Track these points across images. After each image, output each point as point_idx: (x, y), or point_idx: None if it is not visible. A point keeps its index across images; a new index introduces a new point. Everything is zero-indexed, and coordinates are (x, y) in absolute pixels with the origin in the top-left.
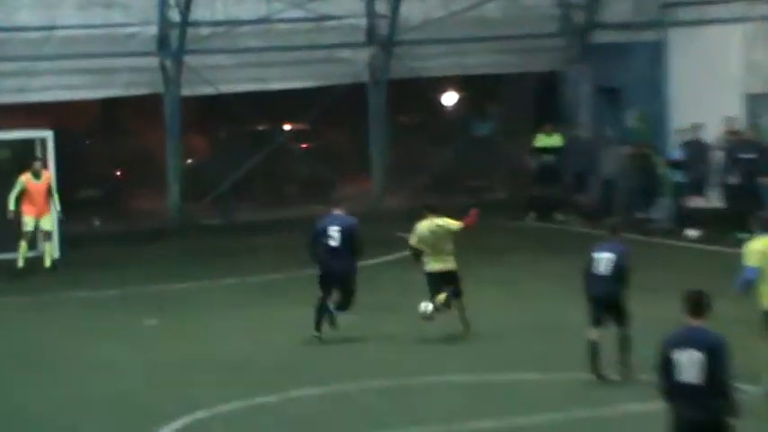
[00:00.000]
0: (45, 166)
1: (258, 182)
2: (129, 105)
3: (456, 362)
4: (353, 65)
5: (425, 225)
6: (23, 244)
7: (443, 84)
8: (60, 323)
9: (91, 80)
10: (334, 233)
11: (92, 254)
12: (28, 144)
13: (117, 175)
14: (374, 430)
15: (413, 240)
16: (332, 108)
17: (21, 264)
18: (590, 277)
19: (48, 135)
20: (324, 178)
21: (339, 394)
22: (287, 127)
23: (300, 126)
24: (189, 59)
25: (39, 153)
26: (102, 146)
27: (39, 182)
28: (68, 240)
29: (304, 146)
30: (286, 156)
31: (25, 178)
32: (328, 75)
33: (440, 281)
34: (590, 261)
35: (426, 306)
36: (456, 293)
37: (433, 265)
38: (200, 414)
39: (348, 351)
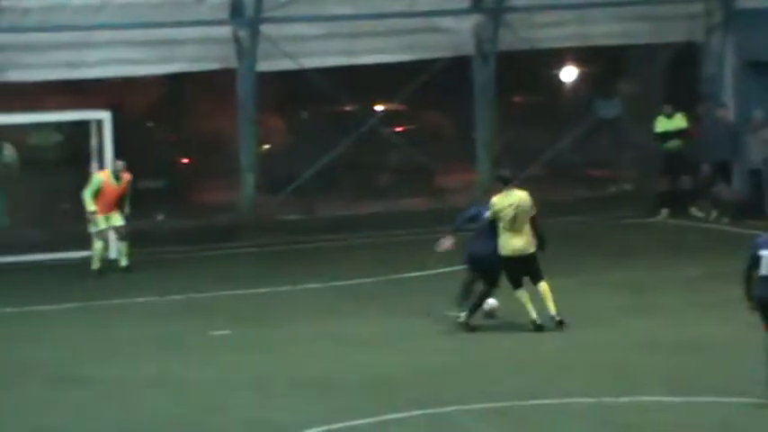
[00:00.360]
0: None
1: (345, 171)
2: (198, 83)
3: (572, 382)
4: (456, 35)
5: (506, 198)
6: (100, 245)
7: (561, 57)
8: (115, 333)
9: (153, 53)
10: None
11: (154, 253)
12: (82, 127)
13: (183, 164)
14: None
15: (488, 214)
16: (431, 86)
17: (97, 265)
18: (759, 280)
19: (104, 116)
20: (421, 167)
21: (436, 417)
22: (378, 108)
23: (394, 107)
24: (266, 29)
25: (94, 136)
26: (166, 129)
27: (118, 184)
28: (128, 238)
29: (398, 129)
30: (377, 141)
31: (104, 178)
32: (427, 47)
33: (518, 265)
34: (754, 259)
35: (488, 303)
36: (537, 278)
37: (514, 244)
38: None
39: (448, 369)
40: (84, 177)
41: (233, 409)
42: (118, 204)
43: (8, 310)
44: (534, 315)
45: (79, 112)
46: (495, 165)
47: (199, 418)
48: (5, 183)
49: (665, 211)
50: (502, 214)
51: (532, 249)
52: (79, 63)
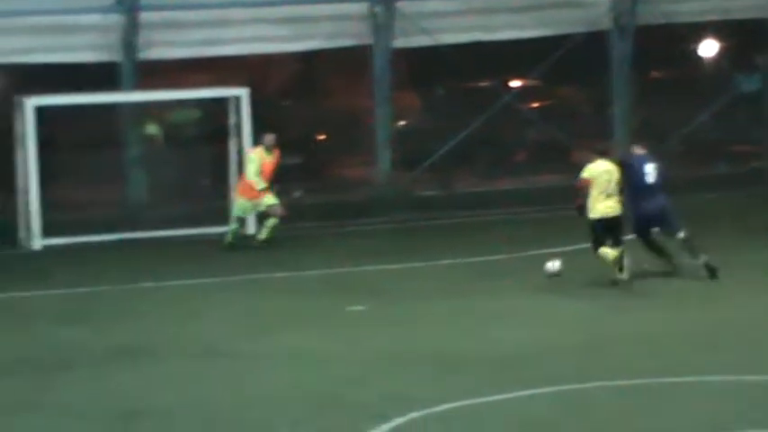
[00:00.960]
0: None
1: (480, 147)
2: (333, 59)
3: (711, 359)
4: (593, 10)
5: (601, 165)
6: (273, 220)
7: (700, 31)
8: (255, 307)
9: (289, 30)
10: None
11: (291, 229)
12: (220, 103)
13: (320, 140)
14: None
15: (585, 174)
16: (567, 61)
17: (264, 235)
18: None
19: (242, 93)
20: (557, 143)
21: (573, 394)
22: (514, 83)
23: (530, 82)
24: (402, 5)
25: (232, 113)
26: (301, 106)
27: (271, 157)
28: (263, 214)
29: (534, 105)
30: (513, 117)
31: (258, 154)
32: (563, 21)
33: (606, 228)
34: None
35: (554, 264)
36: (617, 242)
37: (605, 208)
38: (413, 414)
39: (586, 346)
40: (222, 154)
41: (370, 382)
42: (273, 179)
43: (149, 284)
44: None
45: (218, 89)
46: (632, 140)
47: (337, 391)
48: (148, 158)
49: None
50: (598, 180)
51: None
52: (217, 41)
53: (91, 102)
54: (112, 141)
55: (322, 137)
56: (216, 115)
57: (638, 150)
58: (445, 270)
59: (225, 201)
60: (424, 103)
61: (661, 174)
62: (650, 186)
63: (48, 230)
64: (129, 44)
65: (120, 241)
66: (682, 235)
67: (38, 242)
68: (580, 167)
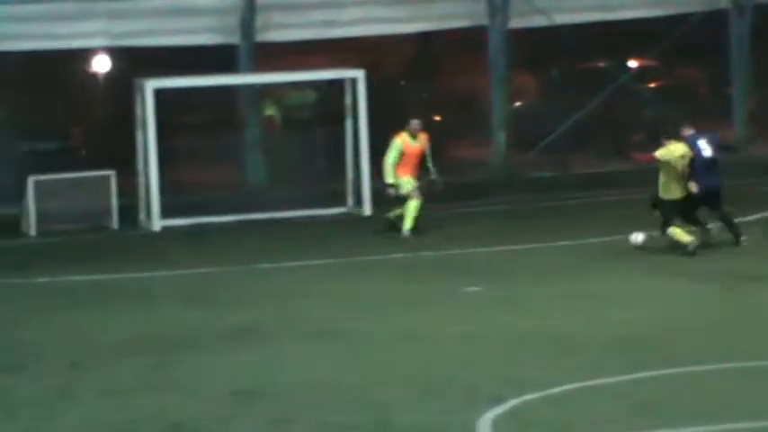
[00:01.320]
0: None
1: (597, 128)
2: (448, 41)
3: None
4: None
5: (679, 148)
6: (415, 203)
7: None
8: (371, 288)
9: (405, 12)
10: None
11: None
12: (336, 85)
13: (435, 121)
14: (731, 417)
15: (660, 154)
16: (685, 41)
17: (409, 225)
18: None
19: (359, 75)
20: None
21: (692, 376)
22: (632, 63)
23: (647, 62)
24: None
25: (348, 95)
26: (417, 88)
27: (416, 144)
28: (382, 194)
29: (652, 85)
30: (630, 97)
31: (402, 140)
32: (681, 1)
33: (679, 209)
34: None
35: (637, 236)
36: (692, 221)
37: (678, 192)
38: (528, 396)
39: (705, 327)
40: (339, 135)
41: (484, 364)
42: (420, 167)
43: (267, 265)
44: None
45: (334, 71)
46: (751, 121)
47: (452, 373)
48: (266, 140)
49: None
50: (673, 164)
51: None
52: (333, 22)
53: (209, 84)
54: (231, 124)
55: (438, 118)
56: (332, 97)
57: (687, 131)
58: (561, 251)
59: (342, 182)
60: (540, 83)
61: (715, 149)
62: (709, 161)
63: (167, 212)
64: (247, 26)
65: (239, 222)
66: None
67: (157, 224)
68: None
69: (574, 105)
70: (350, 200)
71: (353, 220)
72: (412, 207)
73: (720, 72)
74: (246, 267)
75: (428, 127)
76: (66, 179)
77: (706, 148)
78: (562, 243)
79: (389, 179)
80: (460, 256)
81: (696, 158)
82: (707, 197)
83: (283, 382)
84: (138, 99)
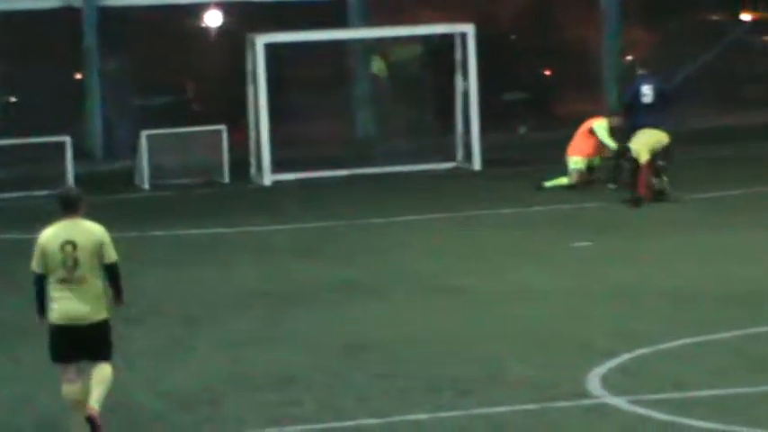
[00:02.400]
0: None
1: (712, 81)
2: None
3: None
4: None
5: None
6: (565, 181)
7: None
8: (481, 243)
9: None
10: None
11: (515, 165)
12: (445, 40)
13: (546, 75)
14: None
15: None
16: None
17: (548, 185)
18: None
19: (468, 29)
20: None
21: None
22: (746, 17)
23: (763, 15)
24: None
25: (458, 50)
26: (529, 41)
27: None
28: (491, 149)
29: (766, 39)
30: (746, 51)
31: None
32: None
33: None
34: None
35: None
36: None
37: None
38: (641, 351)
39: None
40: (446, 90)
41: (596, 319)
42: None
43: (377, 220)
44: None
45: (444, 25)
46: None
47: (563, 327)
48: (375, 94)
49: None
50: None
51: None
52: None
53: (319, 39)
54: (341, 78)
55: (549, 71)
56: (443, 51)
57: (641, 71)
58: (674, 206)
59: (450, 136)
60: (654, 36)
61: (659, 95)
62: (646, 106)
63: (278, 167)
64: None
65: (349, 177)
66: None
67: (268, 178)
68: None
69: (688, 58)
70: (459, 154)
71: (463, 175)
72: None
73: None
74: (356, 222)
75: (539, 80)
76: (178, 133)
77: (647, 94)
78: None
79: (613, 145)
80: (571, 210)
81: (634, 101)
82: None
83: (393, 337)
84: (249, 54)
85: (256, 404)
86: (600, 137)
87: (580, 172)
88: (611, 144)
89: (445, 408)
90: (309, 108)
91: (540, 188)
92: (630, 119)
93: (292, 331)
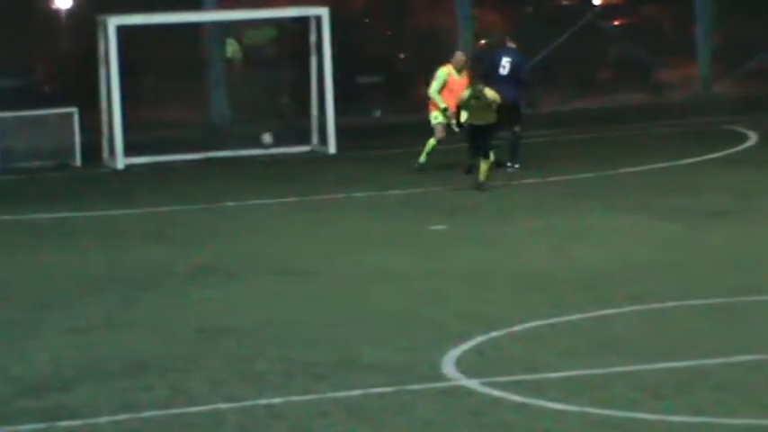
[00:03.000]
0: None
1: (563, 66)
2: None
3: None
4: None
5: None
6: (434, 140)
7: None
8: (336, 227)
9: None
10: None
11: (369, 148)
12: (300, 23)
13: (400, 59)
14: (693, 355)
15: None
16: None
17: (423, 159)
18: None
19: (323, 12)
20: (640, 61)
21: (654, 313)
22: (596, 1)
23: (613, 0)
24: None
25: (313, 32)
26: (383, 25)
27: (461, 78)
28: (344, 133)
29: (617, 23)
30: (596, 35)
31: (448, 71)
32: None
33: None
34: None
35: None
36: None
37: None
38: (494, 333)
39: (667, 265)
40: (301, 74)
41: (450, 301)
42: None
43: (231, 204)
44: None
45: (299, 8)
46: (715, 59)
47: (418, 310)
48: (228, 78)
49: None
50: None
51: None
52: None
53: (173, 21)
54: (194, 61)
55: (403, 55)
56: (295, 34)
57: (509, 44)
58: (527, 189)
59: (306, 120)
60: (507, 21)
61: (516, 69)
62: (501, 77)
63: (130, 150)
64: None
65: (203, 161)
66: (517, 129)
67: (121, 161)
68: (662, 86)
69: (540, 43)
70: (314, 138)
71: (318, 159)
72: (431, 142)
73: (686, 10)
74: (210, 206)
75: (393, 65)
76: (28, 116)
77: (505, 66)
78: (529, 181)
79: (442, 104)
80: (426, 194)
81: (492, 71)
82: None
83: (248, 320)
84: (101, 36)
85: (109, 390)
86: (431, 87)
87: (441, 125)
88: (435, 97)
89: (299, 392)
90: (163, 91)
91: (420, 168)
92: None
93: (144, 316)
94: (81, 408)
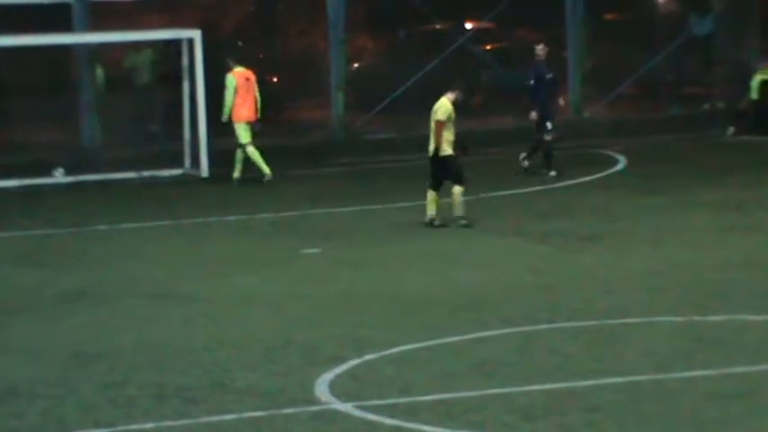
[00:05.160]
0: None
1: (436, 90)
2: (288, 1)
3: (662, 301)
4: None
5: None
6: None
7: None
8: (208, 251)
9: None
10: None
11: (244, 172)
12: (173, 45)
13: (273, 82)
14: (565, 377)
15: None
16: (522, 3)
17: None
18: None
19: (195, 35)
20: (512, 86)
21: (527, 336)
22: (468, 26)
23: (484, 24)
24: None
25: (185, 55)
26: (256, 48)
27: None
28: (217, 156)
29: (488, 48)
30: (468, 60)
31: (236, 77)
32: None
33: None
34: None
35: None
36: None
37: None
38: (368, 356)
39: (539, 288)
40: (176, 96)
41: (324, 325)
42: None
43: (102, 227)
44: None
45: (171, 30)
46: (587, 83)
47: (291, 334)
48: (101, 101)
49: (731, 129)
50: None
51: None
52: None
53: (42, 43)
54: (65, 84)
55: (277, 78)
56: (170, 58)
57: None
58: (401, 213)
59: (179, 143)
60: (379, 45)
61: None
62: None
63: (0, 172)
64: None
65: (73, 184)
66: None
67: None
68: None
69: (414, 67)
70: (187, 161)
71: (191, 182)
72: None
73: (557, 35)
74: (82, 229)
75: (266, 87)
76: None
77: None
78: (401, 204)
79: (224, 117)
80: (299, 217)
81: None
82: None
83: (120, 345)
84: None
85: None
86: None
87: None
88: (228, 102)
89: (172, 416)
90: (33, 113)
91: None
92: None
93: (14, 341)
94: None
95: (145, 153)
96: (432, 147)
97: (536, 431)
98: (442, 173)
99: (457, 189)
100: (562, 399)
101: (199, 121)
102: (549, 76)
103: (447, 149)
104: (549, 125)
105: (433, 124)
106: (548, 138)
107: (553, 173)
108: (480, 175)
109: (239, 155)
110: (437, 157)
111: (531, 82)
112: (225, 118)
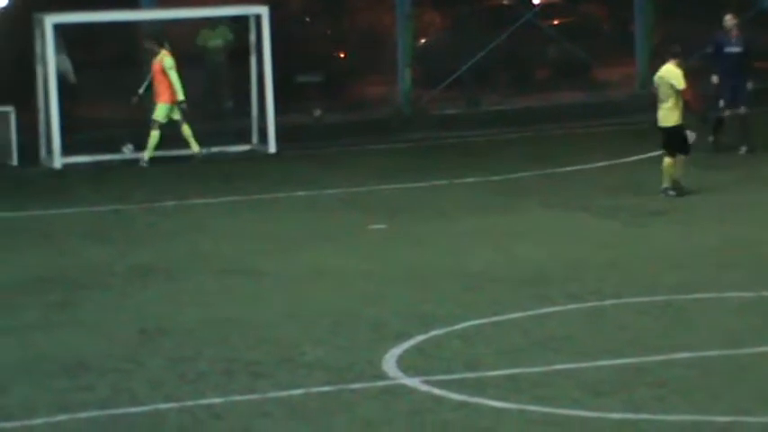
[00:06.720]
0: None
1: (502, 65)
2: None
3: (731, 277)
4: None
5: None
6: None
7: None
8: (277, 226)
9: None
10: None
11: (311, 148)
12: (240, 21)
13: (340, 58)
14: (633, 352)
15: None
16: None
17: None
18: None
19: (263, 11)
20: (578, 61)
21: (594, 311)
22: (536, 0)
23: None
24: None
25: (252, 31)
26: (323, 24)
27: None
28: (285, 132)
29: (555, 23)
30: (535, 35)
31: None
32: None
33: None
34: None
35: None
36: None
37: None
38: (435, 332)
39: (606, 264)
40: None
41: (390, 300)
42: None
43: (171, 203)
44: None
45: (239, 7)
46: (654, 58)
47: (359, 309)
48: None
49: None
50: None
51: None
52: None
53: (110, 19)
54: (133, 60)
55: (343, 54)
56: (242, 34)
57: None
58: (468, 188)
59: (247, 119)
60: (446, 20)
61: None
62: None
63: (69, 149)
64: None
65: (143, 159)
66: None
67: (59, 161)
68: (601, 85)
69: (480, 42)
70: (254, 137)
71: (258, 157)
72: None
73: (624, 9)
74: (150, 205)
75: (333, 63)
76: None
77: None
78: (469, 180)
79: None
80: (366, 193)
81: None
82: None
83: (189, 320)
84: (38, 34)
85: (46, 391)
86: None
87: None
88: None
89: (240, 391)
90: (102, 90)
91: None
92: None
93: (84, 317)
94: (16, 409)
95: (215, 130)
96: (675, 116)
97: (604, 406)
98: (674, 144)
99: (672, 160)
100: (630, 374)
101: (266, 98)
102: (732, 49)
103: (679, 119)
104: (721, 103)
105: (670, 92)
106: (724, 114)
107: (744, 148)
108: (546, 151)
109: (184, 132)
110: (670, 127)
111: (709, 50)
112: (183, 97)
